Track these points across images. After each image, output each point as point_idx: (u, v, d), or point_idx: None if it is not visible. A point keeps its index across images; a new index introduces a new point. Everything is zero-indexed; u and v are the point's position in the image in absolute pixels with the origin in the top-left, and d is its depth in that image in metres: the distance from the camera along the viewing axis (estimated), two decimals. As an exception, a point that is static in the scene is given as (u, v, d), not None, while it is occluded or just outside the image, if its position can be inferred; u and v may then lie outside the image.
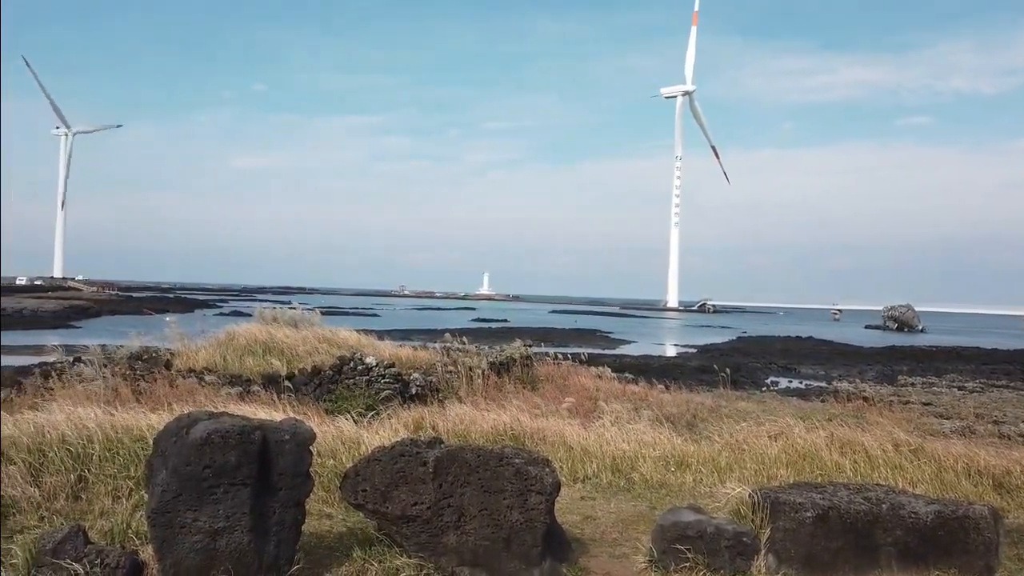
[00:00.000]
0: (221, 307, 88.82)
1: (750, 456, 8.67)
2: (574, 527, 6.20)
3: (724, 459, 8.61)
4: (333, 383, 14.74)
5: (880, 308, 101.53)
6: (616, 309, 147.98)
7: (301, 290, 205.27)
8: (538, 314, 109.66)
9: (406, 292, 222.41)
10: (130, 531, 4.91)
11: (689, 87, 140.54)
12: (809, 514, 5.13)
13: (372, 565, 4.93)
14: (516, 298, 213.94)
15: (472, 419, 10.29)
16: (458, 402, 12.99)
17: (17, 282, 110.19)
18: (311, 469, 4.82)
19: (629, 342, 56.37)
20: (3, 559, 4.47)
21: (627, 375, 20.46)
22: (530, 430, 9.77)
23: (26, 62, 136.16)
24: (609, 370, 19.75)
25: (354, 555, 5.07)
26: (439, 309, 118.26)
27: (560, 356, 19.37)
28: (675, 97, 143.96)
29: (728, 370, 19.63)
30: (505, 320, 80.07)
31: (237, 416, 4.85)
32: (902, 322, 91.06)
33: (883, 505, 5.24)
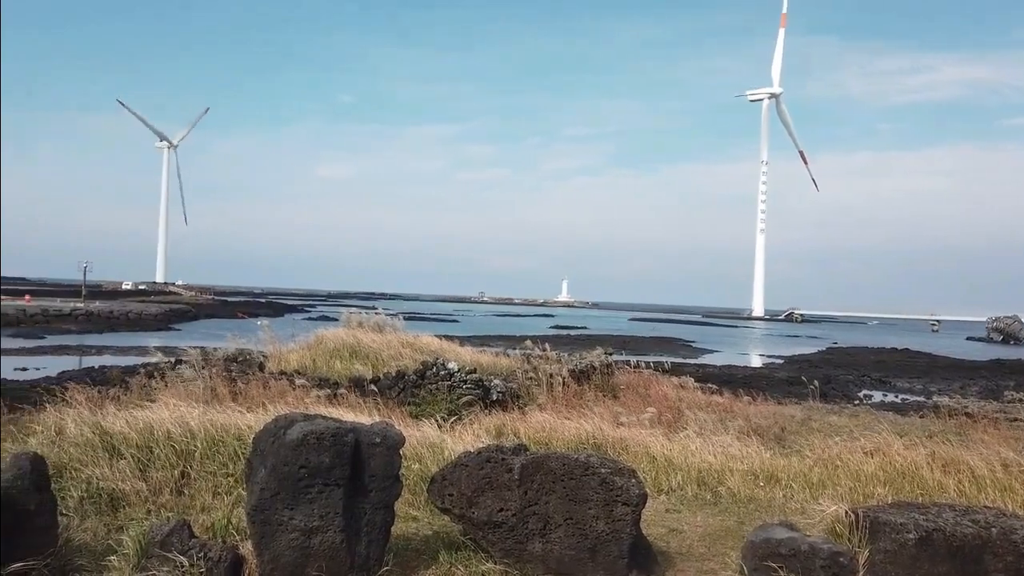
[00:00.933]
0: (309, 312, 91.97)
1: (845, 472, 8.32)
2: (660, 540, 6.10)
3: (816, 475, 8.30)
4: (416, 387, 15.02)
5: (984, 319, 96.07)
6: (698, 317, 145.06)
7: (384, 295, 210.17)
8: (617, 321, 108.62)
9: (485, 298, 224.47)
10: (231, 527, 5.13)
11: (776, 89, 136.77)
12: (911, 536, 4.88)
13: (458, 569, 4.99)
14: (595, 305, 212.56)
15: (553, 427, 10.27)
16: (538, 409, 13.01)
17: (123, 287, 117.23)
18: (399, 472, 4.92)
19: (712, 351, 55.14)
20: (116, 548, 4.75)
21: (710, 385, 20.02)
22: (612, 439, 9.68)
23: (122, 104, 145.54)
24: (692, 380, 19.35)
25: (440, 558, 5.15)
26: (518, 315, 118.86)
27: (641, 364, 19.13)
28: (761, 100, 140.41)
29: (817, 382, 18.94)
30: (584, 327, 79.76)
31: (331, 419, 5.01)
32: (1008, 334, 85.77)
33: (992, 529, 4.93)
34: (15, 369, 30.28)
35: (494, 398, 14.84)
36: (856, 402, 25.10)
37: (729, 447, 9.09)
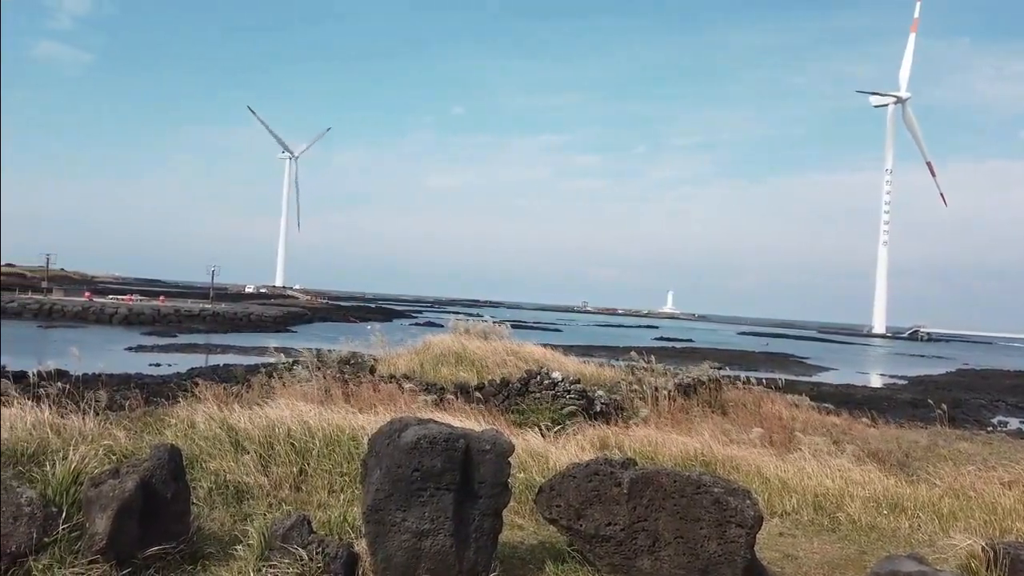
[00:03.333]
0: (416, 317, 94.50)
1: (978, 505, 7.72)
2: (774, 564, 5.86)
3: (947, 505, 7.74)
4: (520, 395, 15.10)
5: None
6: (813, 333, 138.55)
7: (488, 303, 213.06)
8: (725, 335, 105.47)
9: (588, 308, 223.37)
10: (346, 524, 5.31)
11: (903, 94, 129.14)
12: (1061, 579, 4.46)
13: (564, 581, 4.97)
14: (701, 317, 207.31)
15: (659, 441, 10.08)
16: (643, 423, 12.80)
17: (246, 290, 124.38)
18: (508, 480, 4.95)
19: (828, 369, 52.53)
20: (241, 539, 5.01)
21: (826, 405, 19.05)
22: (721, 457, 9.39)
23: (251, 111, 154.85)
24: (807, 398, 18.48)
25: (547, 569, 5.14)
26: (621, 326, 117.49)
27: (751, 381, 18.46)
28: (886, 105, 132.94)
29: (946, 405, 17.65)
30: (690, 340, 77.90)
31: (443, 424, 5.11)
32: None
33: None
34: (150, 365, 32.70)
35: (597, 409, 14.70)
36: (989, 429, 23.25)
37: (849, 471, 8.62)
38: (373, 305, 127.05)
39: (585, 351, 39.40)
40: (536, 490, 6.91)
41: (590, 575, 4.99)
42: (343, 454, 7.44)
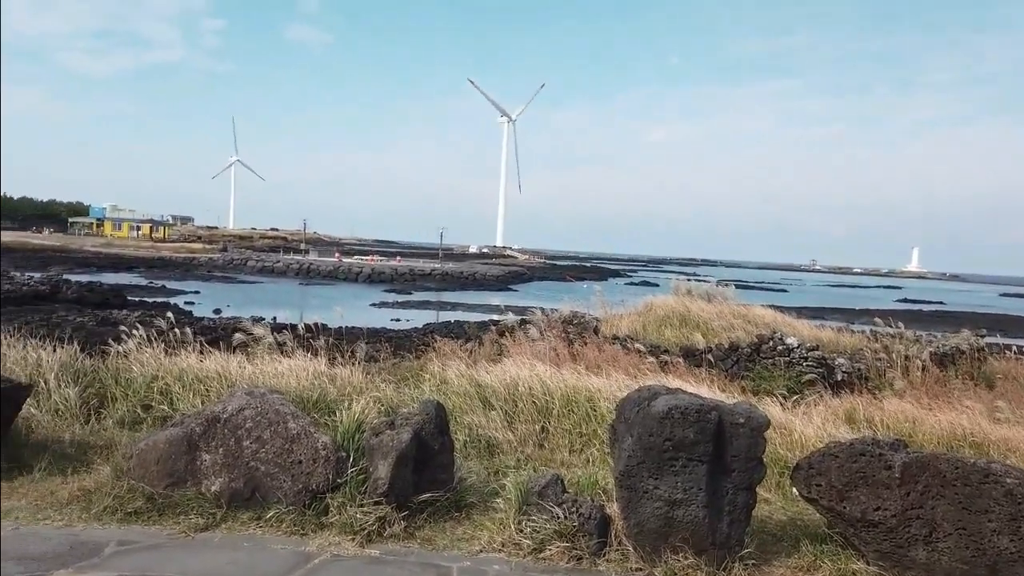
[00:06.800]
0: (631, 276, 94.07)
1: None
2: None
3: None
4: (751, 361, 14.51)
5: None
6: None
7: (706, 262, 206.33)
8: (984, 297, 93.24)
9: (817, 267, 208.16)
10: (596, 486, 5.47)
11: None
12: None
13: (824, 563, 4.73)
14: (954, 277, 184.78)
15: (916, 417, 9.19)
16: (894, 395, 11.74)
17: (469, 250, 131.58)
18: (762, 455, 4.79)
19: (1122, 338, 44.47)
20: (499, 492, 5.35)
21: None
22: (996, 439, 8.36)
23: (471, 82, 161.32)
24: (1100, 373, 15.80)
25: (803, 548, 4.93)
26: (855, 287, 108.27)
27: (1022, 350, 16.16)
28: None
29: None
30: (940, 302, 69.90)
31: (691, 394, 5.04)
32: None
33: None
34: (391, 320, 35.83)
35: (838, 379, 13.71)
36: None
37: None
38: (588, 264, 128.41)
39: (816, 314, 36.82)
40: (784, 464, 6.67)
41: (853, 560, 4.70)
42: (581, 415, 7.64)
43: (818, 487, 4.74)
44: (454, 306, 45.85)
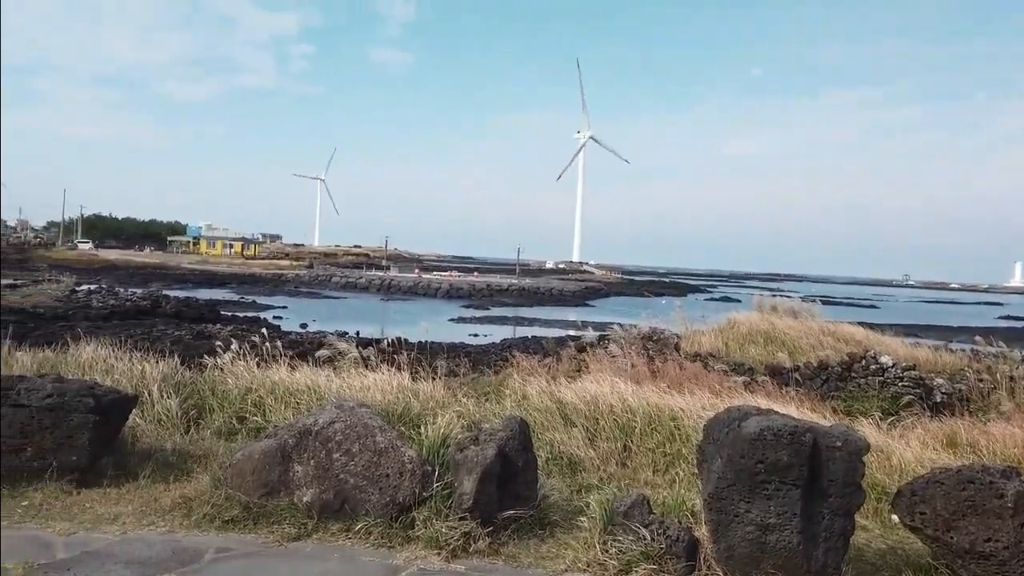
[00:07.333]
0: (711, 292, 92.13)
1: None
2: None
3: None
4: (841, 380, 13.94)
5: None
6: None
7: (789, 277, 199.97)
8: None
9: (910, 282, 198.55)
10: (684, 508, 5.35)
11: None
12: None
13: (930, 597, 4.48)
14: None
15: (1027, 443, 8.61)
16: (1000, 418, 11.04)
17: (546, 265, 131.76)
18: (861, 480, 4.58)
19: None
20: (583, 511, 5.30)
21: None
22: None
23: (577, 64, 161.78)
24: None
25: (905, 579, 4.68)
26: (952, 303, 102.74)
27: None
28: None
29: None
30: (1047, 319, 65.52)
31: (784, 415, 4.88)
32: None
33: None
34: (469, 335, 36.18)
35: (937, 400, 13.00)
36: None
37: None
38: (667, 280, 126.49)
39: (910, 331, 35.07)
40: (882, 489, 6.37)
41: (962, 594, 4.43)
42: (665, 434, 7.49)
43: (922, 515, 4.49)
44: (531, 321, 45.91)
